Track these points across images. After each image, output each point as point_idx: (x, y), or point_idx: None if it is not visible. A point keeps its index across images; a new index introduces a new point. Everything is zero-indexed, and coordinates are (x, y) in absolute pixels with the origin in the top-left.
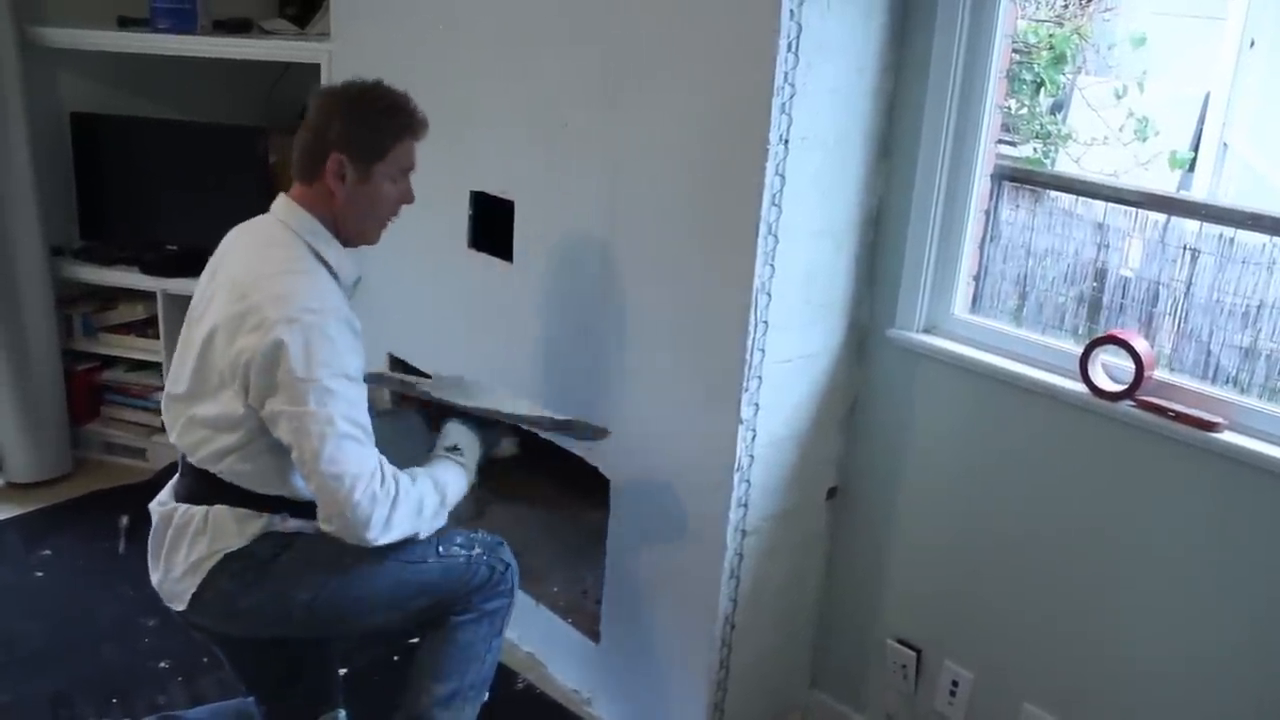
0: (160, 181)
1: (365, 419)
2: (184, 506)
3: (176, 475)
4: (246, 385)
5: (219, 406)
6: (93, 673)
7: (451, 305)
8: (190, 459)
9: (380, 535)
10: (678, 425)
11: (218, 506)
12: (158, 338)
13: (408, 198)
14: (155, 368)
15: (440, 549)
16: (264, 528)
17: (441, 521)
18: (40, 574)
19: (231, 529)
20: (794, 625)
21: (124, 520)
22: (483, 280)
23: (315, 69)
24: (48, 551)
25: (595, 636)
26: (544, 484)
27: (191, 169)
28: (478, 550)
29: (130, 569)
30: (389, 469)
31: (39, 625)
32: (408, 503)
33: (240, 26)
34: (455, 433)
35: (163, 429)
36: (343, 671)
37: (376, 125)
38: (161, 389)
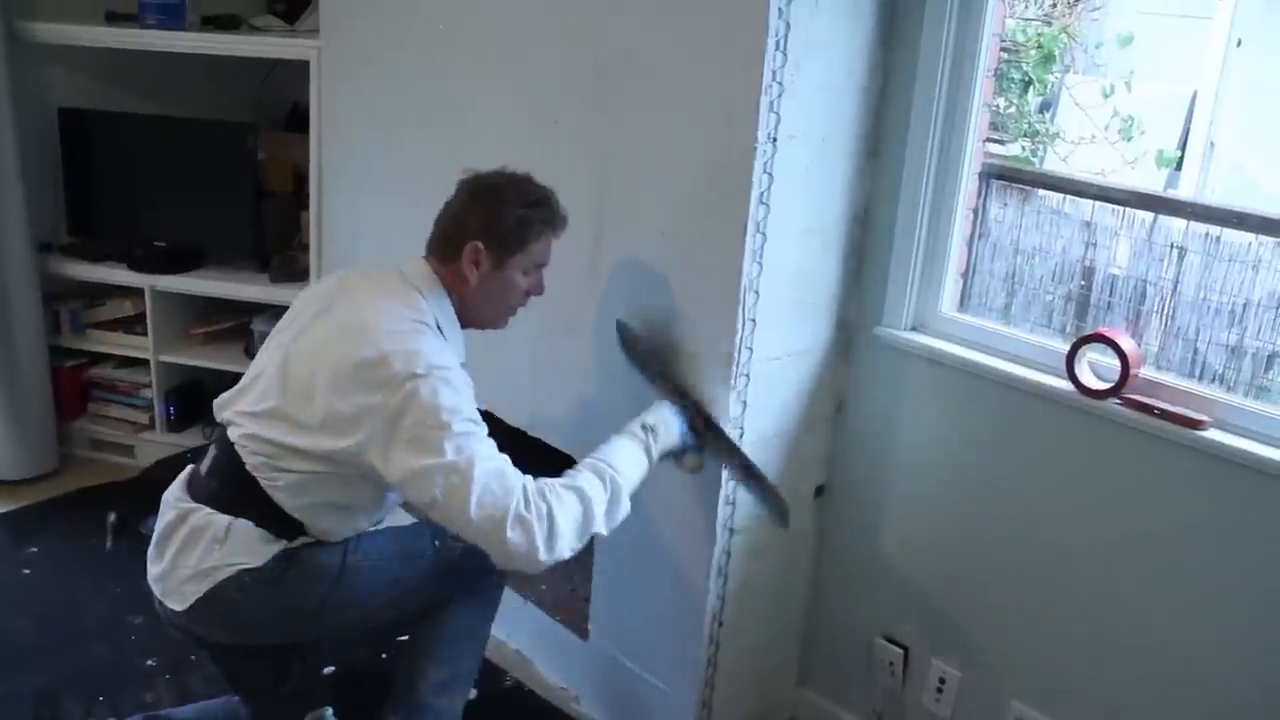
0: (149, 177)
1: (496, 451)
2: (205, 510)
3: (198, 471)
4: (361, 437)
5: (308, 442)
6: (79, 670)
7: None
8: (243, 464)
9: (549, 556)
10: None
11: (242, 520)
12: (146, 334)
13: (537, 290)
14: (143, 364)
15: (437, 543)
16: (282, 547)
17: (620, 514)
18: (27, 571)
19: (253, 546)
20: (782, 623)
21: (111, 517)
22: None
23: (304, 66)
24: (34, 549)
25: (583, 634)
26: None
27: (180, 165)
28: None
29: (117, 566)
30: (532, 490)
31: (26, 623)
32: (565, 518)
33: (229, 23)
34: (661, 414)
35: (150, 425)
36: (329, 670)
37: (518, 219)
38: (149, 385)
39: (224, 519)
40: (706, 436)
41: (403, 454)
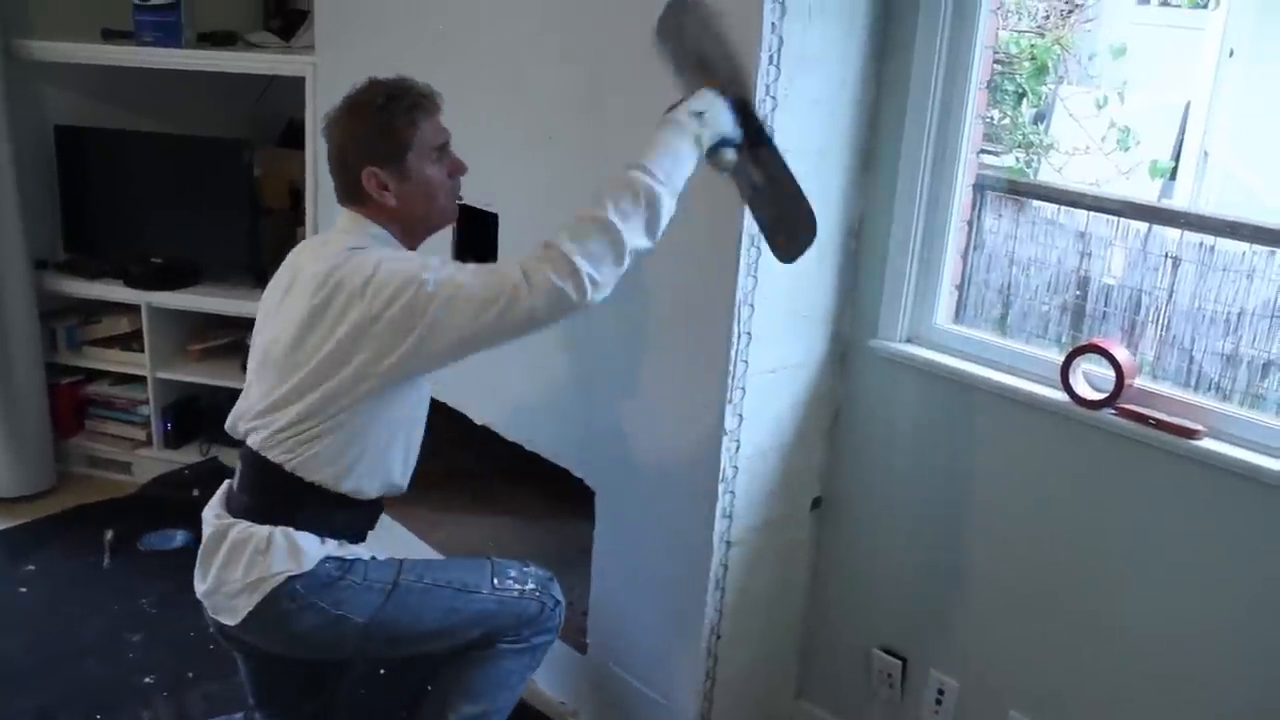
0: (145, 194)
1: (470, 265)
2: (244, 523)
3: (232, 487)
4: (372, 348)
5: (318, 401)
6: (77, 688)
7: None
8: (273, 465)
9: (587, 288)
10: (662, 436)
11: (281, 528)
12: (142, 351)
13: (458, 169)
14: (140, 381)
15: (495, 581)
16: (327, 552)
17: (662, 221)
18: (24, 590)
19: (296, 552)
20: (779, 635)
21: (109, 535)
22: None
23: (300, 82)
24: (31, 567)
25: (581, 648)
26: (529, 495)
27: (176, 182)
28: (530, 585)
29: (115, 584)
30: (531, 262)
31: (22, 641)
32: (584, 236)
33: (225, 39)
34: (709, 101)
35: (147, 442)
36: None
37: (384, 123)
38: (145, 402)
39: (264, 529)
40: (753, 130)
41: (410, 331)
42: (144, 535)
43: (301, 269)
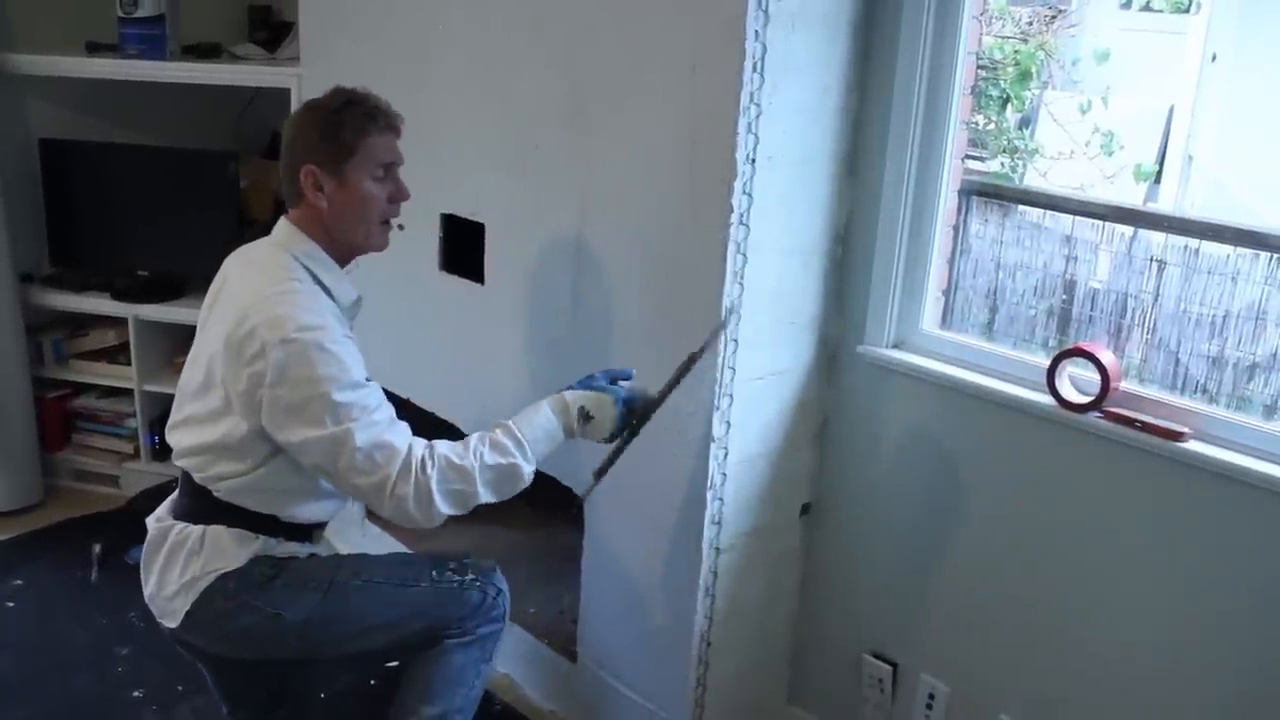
0: (131, 207)
1: (383, 414)
2: (181, 524)
3: (175, 493)
4: (256, 412)
5: (220, 431)
6: (65, 703)
7: (424, 327)
8: (194, 478)
9: (427, 523)
10: (650, 444)
11: (215, 526)
12: (129, 364)
13: (400, 195)
14: (127, 394)
15: (434, 574)
16: (259, 550)
17: (514, 489)
18: (11, 604)
19: (228, 550)
20: (770, 641)
21: (96, 548)
22: (454, 302)
23: (285, 94)
24: (19, 581)
25: (572, 656)
26: (518, 504)
27: (162, 194)
28: (471, 575)
29: (103, 597)
30: (416, 461)
31: (10, 655)
32: (442, 493)
33: (210, 52)
34: (603, 410)
35: (135, 455)
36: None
37: (334, 124)
38: (133, 415)
39: (198, 529)
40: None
41: (288, 423)
42: (131, 548)
43: (228, 278)
